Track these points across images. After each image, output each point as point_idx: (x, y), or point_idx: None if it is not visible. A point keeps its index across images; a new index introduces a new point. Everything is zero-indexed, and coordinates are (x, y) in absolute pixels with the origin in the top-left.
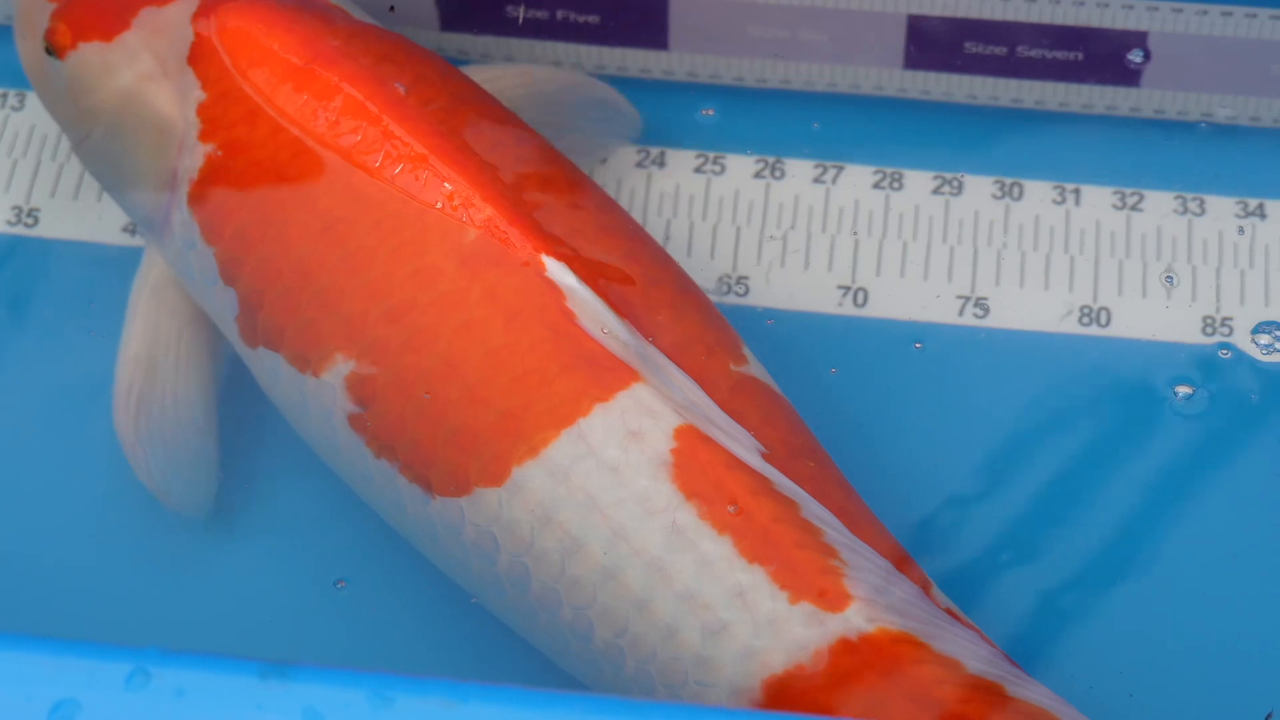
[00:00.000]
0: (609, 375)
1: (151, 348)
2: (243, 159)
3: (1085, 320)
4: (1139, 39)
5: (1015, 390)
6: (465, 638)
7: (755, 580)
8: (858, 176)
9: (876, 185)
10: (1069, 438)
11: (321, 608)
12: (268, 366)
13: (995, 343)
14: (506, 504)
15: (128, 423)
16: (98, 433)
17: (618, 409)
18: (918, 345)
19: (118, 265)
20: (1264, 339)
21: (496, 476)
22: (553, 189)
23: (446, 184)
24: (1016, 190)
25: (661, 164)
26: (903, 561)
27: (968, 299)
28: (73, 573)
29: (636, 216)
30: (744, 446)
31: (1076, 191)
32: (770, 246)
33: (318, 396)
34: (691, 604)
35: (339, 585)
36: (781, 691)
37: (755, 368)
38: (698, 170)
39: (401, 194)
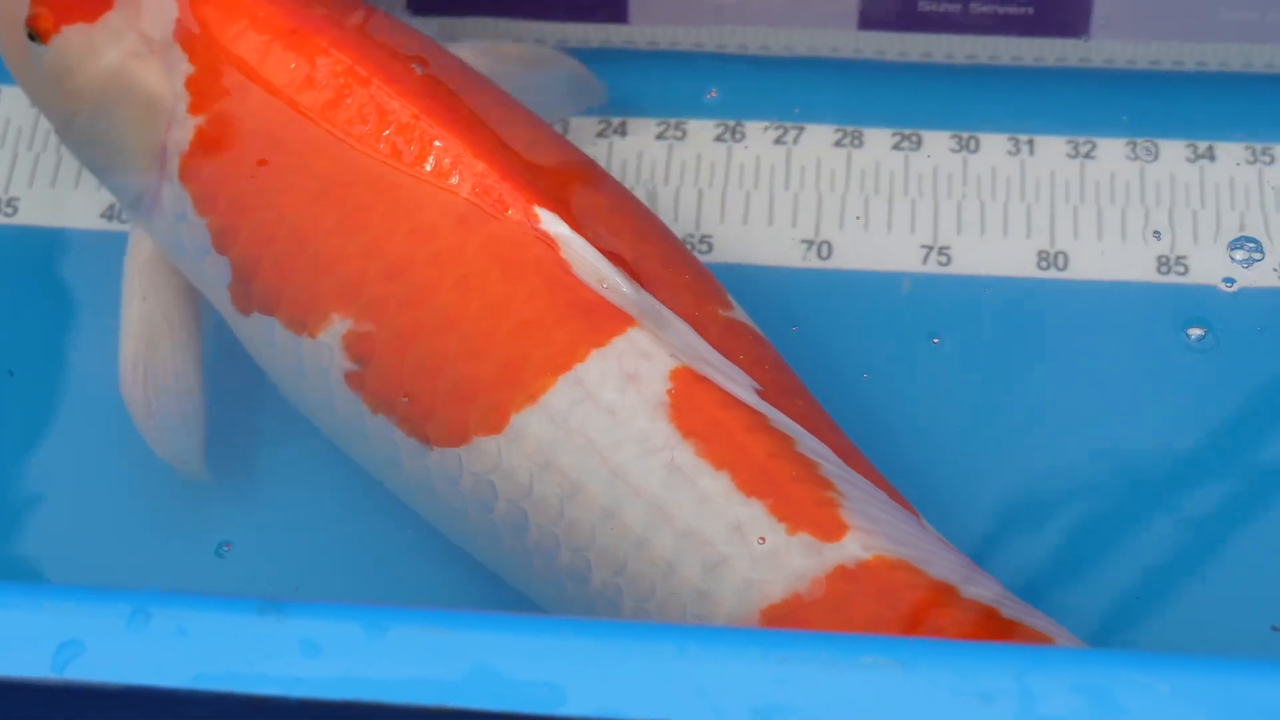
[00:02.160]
0: (605, 321)
1: (150, 323)
2: (234, 129)
3: (1044, 264)
4: None
5: (984, 332)
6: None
7: (753, 514)
8: (819, 136)
9: (838, 144)
10: (1074, 378)
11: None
12: (261, 331)
13: (960, 287)
14: (505, 451)
15: (137, 394)
16: (87, 412)
17: (614, 353)
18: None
19: (95, 250)
20: (1240, 254)
21: (495, 425)
22: (539, 148)
23: (438, 143)
24: (973, 144)
25: (623, 133)
26: (888, 488)
27: (930, 248)
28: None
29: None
30: (739, 385)
31: (1030, 142)
32: (733, 206)
33: (314, 357)
34: (691, 539)
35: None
36: (780, 620)
37: (740, 313)
38: (659, 137)
39: (395, 155)
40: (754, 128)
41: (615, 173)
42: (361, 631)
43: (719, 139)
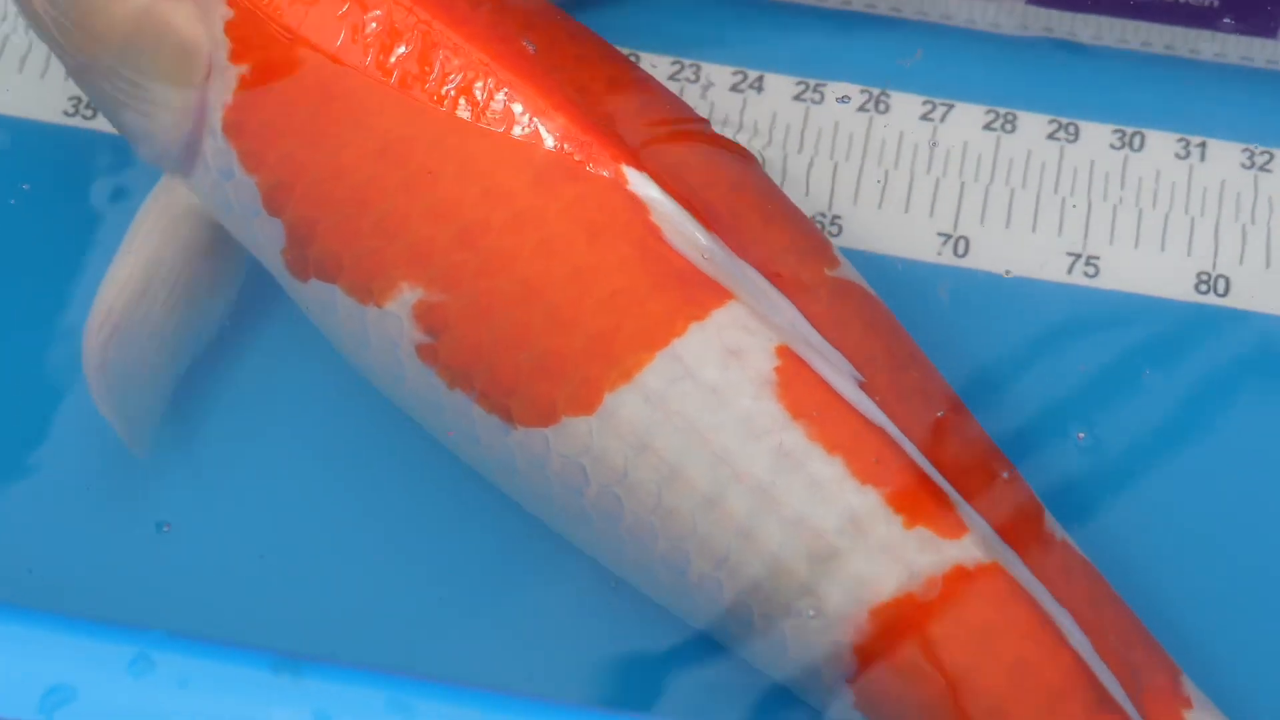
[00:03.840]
0: (702, 292)
1: (146, 278)
2: (282, 79)
3: (1203, 288)
4: None
5: (1125, 356)
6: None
7: (868, 503)
8: (969, 116)
9: (987, 126)
10: (1195, 409)
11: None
12: (321, 299)
13: (1104, 303)
14: (598, 432)
15: (96, 347)
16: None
17: (714, 327)
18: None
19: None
20: None
21: (586, 404)
22: (620, 89)
23: (512, 92)
24: (1137, 140)
25: (759, 89)
26: (1010, 471)
27: (1078, 257)
28: None
29: None
30: (841, 375)
31: (1202, 146)
32: (868, 185)
33: (381, 328)
34: (799, 529)
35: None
36: (889, 620)
37: (848, 269)
38: (797, 98)
39: (464, 108)
40: (900, 100)
41: (745, 133)
42: (384, 707)
43: (861, 109)
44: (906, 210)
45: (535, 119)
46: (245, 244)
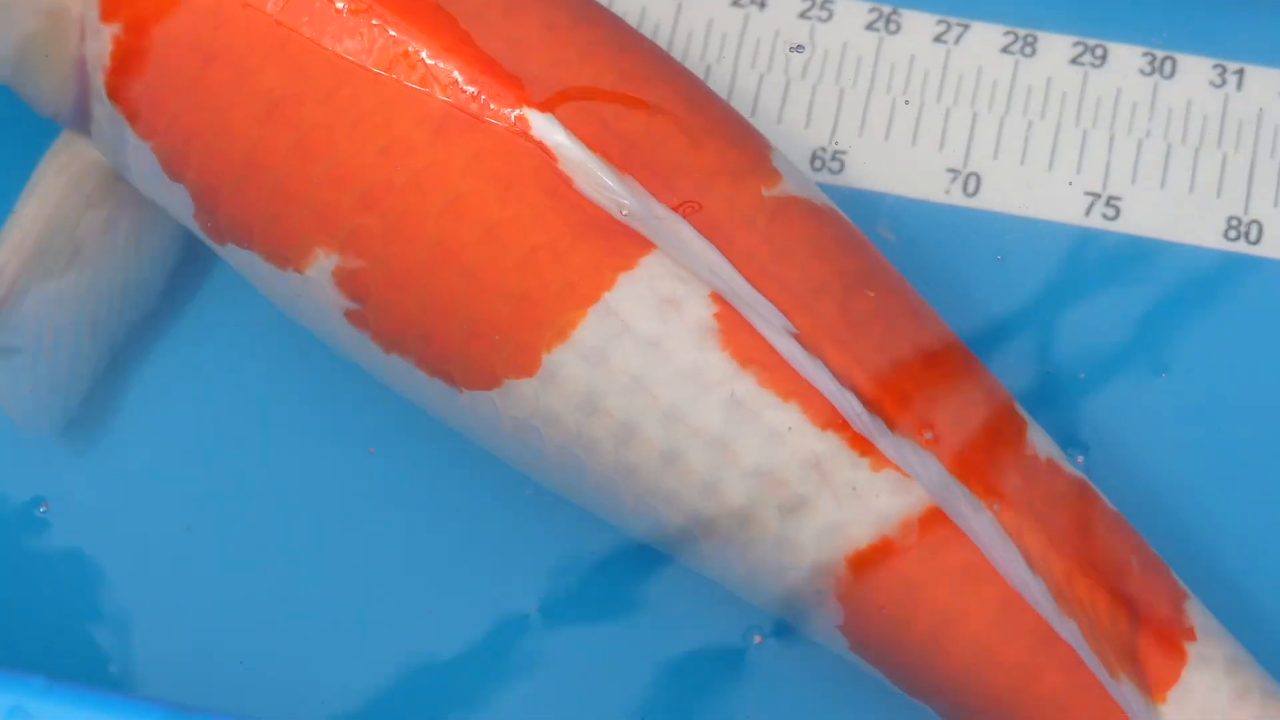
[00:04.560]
0: (625, 240)
1: (45, 238)
2: (157, 37)
3: (1232, 234)
4: None
5: (1144, 306)
6: None
7: (831, 448)
8: (984, 37)
9: (1005, 49)
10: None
11: None
12: (243, 263)
13: (1125, 248)
14: (543, 395)
15: None
16: None
17: (645, 276)
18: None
19: None
20: None
21: (526, 367)
22: (518, 12)
23: (401, 34)
24: (1169, 66)
25: (762, 5)
26: (990, 382)
27: (1097, 198)
28: None
29: (726, 69)
30: (773, 328)
31: (1240, 73)
32: (875, 116)
33: (307, 293)
34: (763, 481)
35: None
36: (868, 568)
37: (790, 183)
38: (802, 15)
39: (351, 56)
40: (911, 18)
41: (745, 58)
42: None
43: (870, 27)
44: (913, 144)
45: (427, 62)
46: (163, 206)
